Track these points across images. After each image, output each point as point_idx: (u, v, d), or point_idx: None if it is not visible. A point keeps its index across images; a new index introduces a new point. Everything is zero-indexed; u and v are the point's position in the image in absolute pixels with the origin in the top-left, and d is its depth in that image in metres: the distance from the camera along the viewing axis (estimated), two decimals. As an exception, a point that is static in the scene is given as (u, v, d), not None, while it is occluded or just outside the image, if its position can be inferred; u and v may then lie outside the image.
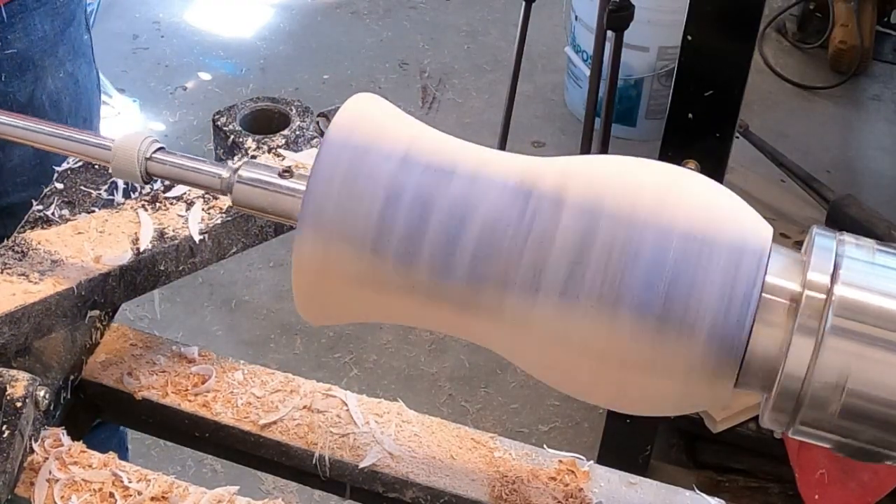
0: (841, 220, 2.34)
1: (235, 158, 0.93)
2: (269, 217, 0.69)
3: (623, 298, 0.58)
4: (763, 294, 0.58)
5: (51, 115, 1.24)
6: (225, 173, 0.70)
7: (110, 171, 0.74)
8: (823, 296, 0.57)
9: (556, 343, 0.61)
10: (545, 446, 0.84)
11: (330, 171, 0.62)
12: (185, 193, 0.90)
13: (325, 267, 0.63)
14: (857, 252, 0.60)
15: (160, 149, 0.73)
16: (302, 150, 0.94)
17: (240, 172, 0.68)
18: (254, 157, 0.92)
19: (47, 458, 0.76)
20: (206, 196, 0.89)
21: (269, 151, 0.93)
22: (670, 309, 0.58)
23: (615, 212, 0.59)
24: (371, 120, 0.65)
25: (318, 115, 0.96)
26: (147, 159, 0.72)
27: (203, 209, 0.89)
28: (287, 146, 0.94)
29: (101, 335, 0.89)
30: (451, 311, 0.63)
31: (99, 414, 0.89)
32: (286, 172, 0.67)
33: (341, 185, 0.62)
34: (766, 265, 0.59)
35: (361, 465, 0.80)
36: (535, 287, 0.60)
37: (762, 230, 0.61)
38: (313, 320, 0.68)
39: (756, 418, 2.02)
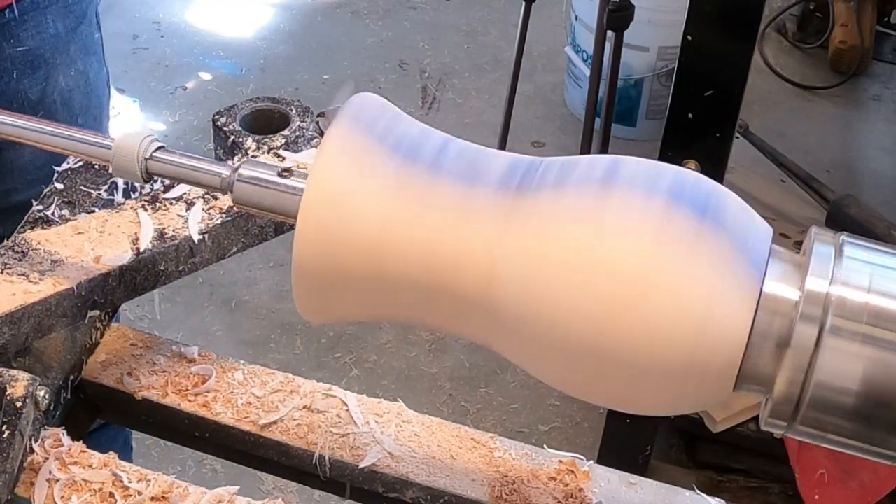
0: (841, 220, 2.34)
1: (236, 159, 0.93)
2: (270, 216, 0.69)
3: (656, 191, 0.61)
4: (762, 295, 0.58)
5: (62, 112, 1.24)
6: (225, 172, 0.70)
7: (111, 170, 0.74)
8: (823, 296, 0.57)
9: (587, 229, 0.60)
10: (545, 446, 0.84)
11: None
12: (185, 193, 0.90)
13: (349, 178, 0.64)
14: (857, 252, 0.59)
15: (160, 147, 0.73)
16: (302, 150, 0.94)
17: (240, 171, 0.68)
18: (254, 156, 0.92)
19: (47, 458, 0.76)
20: (207, 196, 0.89)
21: (269, 151, 0.93)
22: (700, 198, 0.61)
23: None
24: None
25: (318, 115, 0.96)
26: (147, 159, 0.72)
27: (203, 209, 0.89)
28: (287, 146, 0.94)
29: (101, 335, 0.89)
30: (470, 232, 0.63)
31: (99, 414, 0.89)
32: (286, 171, 0.68)
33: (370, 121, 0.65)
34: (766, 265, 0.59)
35: (361, 465, 0.80)
36: (563, 182, 0.62)
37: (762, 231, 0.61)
38: (311, 312, 0.68)
39: (756, 418, 2.02)
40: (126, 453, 1.48)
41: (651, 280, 0.58)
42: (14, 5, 1.15)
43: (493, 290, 0.61)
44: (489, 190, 0.63)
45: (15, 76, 1.18)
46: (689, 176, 0.62)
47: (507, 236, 0.61)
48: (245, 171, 0.68)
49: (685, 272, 0.58)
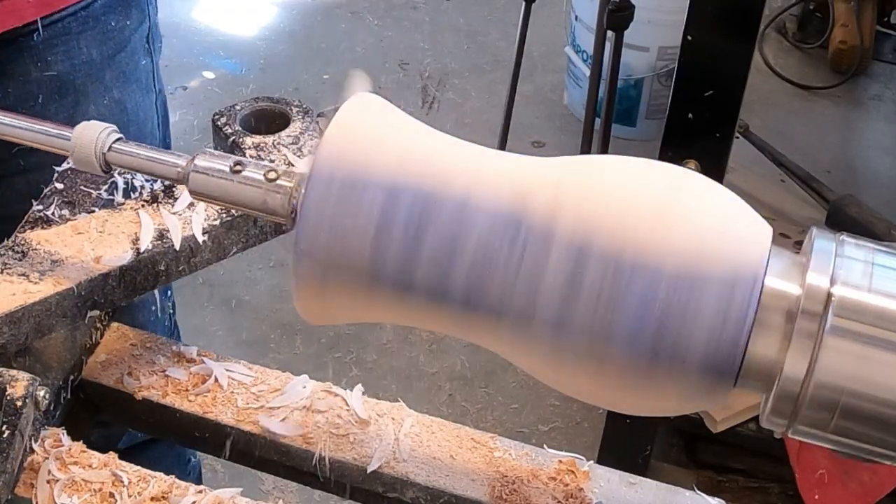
0: (841, 220, 2.34)
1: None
2: (224, 205, 0.71)
3: (613, 334, 0.59)
4: (762, 296, 0.58)
5: None
6: (182, 162, 0.71)
7: (70, 162, 0.74)
8: (823, 296, 0.57)
9: (551, 364, 0.62)
10: (545, 446, 0.84)
11: (318, 209, 0.62)
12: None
13: (324, 292, 0.65)
14: (857, 252, 0.59)
15: (119, 139, 0.74)
16: (302, 150, 0.93)
17: (195, 162, 0.70)
18: (258, 157, 0.92)
19: (47, 458, 0.76)
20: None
21: (274, 149, 0.93)
22: (661, 344, 0.58)
23: (604, 251, 0.58)
24: (358, 140, 0.63)
25: (318, 115, 0.96)
26: (104, 153, 0.74)
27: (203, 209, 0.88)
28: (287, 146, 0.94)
29: (101, 335, 0.89)
30: (451, 326, 0.65)
31: (99, 414, 0.89)
32: (238, 165, 0.69)
33: (331, 225, 0.62)
34: (762, 284, 0.58)
35: (369, 470, 0.80)
36: (528, 316, 0.61)
37: (762, 238, 0.60)
38: (313, 321, 0.68)
39: (756, 418, 2.02)
40: (181, 468, 1.44)
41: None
42: (38, 22, 1.10)
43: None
44: (497, 188, 0.62)
45: (41, 101, 1.14)
46: (694, 176, 0.63)
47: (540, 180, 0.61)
48: (200, 163, 0.70)
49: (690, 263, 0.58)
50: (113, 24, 1.17)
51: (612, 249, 0.58)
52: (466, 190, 0.61)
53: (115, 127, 0.74)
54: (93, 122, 0.74)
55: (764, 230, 0.61)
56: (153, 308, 1.28)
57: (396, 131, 0.65)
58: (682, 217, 0.59)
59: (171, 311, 1.35)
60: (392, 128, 0.65)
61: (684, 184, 0.61)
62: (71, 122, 1.16)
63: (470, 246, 0.61)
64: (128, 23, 1.19)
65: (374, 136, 0.63)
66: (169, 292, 1.33)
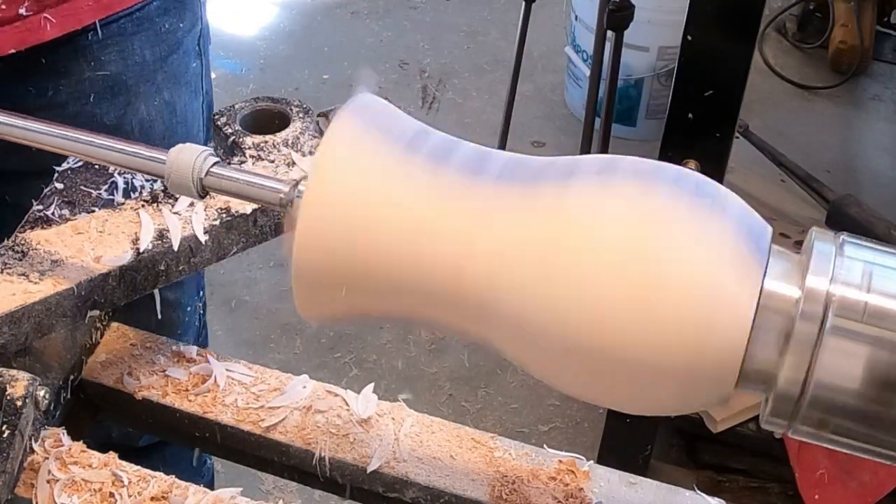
0: (841, 220, 2.34)
1: (235, 159, 0.93)
2: None
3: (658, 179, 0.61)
4: (762, 295, 0.58)
5: (139, 141, 1.19)
6: (285, 189, 0.68)
7: (167, 187, 0.72)
8: (823, 296, 0.57)
9: (591, 227, 0.60)
10: (545, 446, 0.84)
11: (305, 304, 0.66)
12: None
13: (352, 159, 0.63)
14: (857, 252, 0.59)
15: (216, 163, 0.71)
16: (303, 149, 0.93)
17: (300, 188, 0.66)
18: (258, 157, 0.92)
19: (47, 458, 0.76)
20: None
21: (274, 148, 0.93)
22: (703, 190, 0.60)
23: None
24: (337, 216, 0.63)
25: (318, 115, 0.96)
26: (202, 177, 0.70)
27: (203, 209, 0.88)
28: (287, 146, 0.94)
29: (101, 335, 0.89)
30: (472, 221, 0.62)
31: (99, 414, 0.89)
32: None
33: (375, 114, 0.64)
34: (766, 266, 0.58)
35: (369, 470, 0.80)
36: (568, 175, 0.61)
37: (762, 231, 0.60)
38: (312, 314, 0.68)
39: (756, 418, 2.02)
40: (197, 468, 1.42)
41: (655, 274, 0.58)
42: (97, 24, 1.10)
43: (496, 290, 0.61)
44: (493, 188, 0.62)
45: (92, 99, 1.13)
46: (690, 172, 0.63)
47: (512, 234, 0.61)
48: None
49: (689, 267, 0.58)
50: (167, 25, 1.17)
51: None
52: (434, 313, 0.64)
53: (210, 150, 0.71)
54: (188, 144, 0.71)
55: (763, 234, 0.61)
56: (188, 309, 1.28)
57: (366, 201, 0.63)
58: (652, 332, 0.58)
59: (202, 311, 1.35)
60: (395, 130, 0.65)
61: (661, 277, 0.58)
62: (121, 123, 1.17)
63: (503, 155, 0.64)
64: (181, 25, 1.19)
65: (350, 213, 0.63)
66: (201, 293, 1.33)
